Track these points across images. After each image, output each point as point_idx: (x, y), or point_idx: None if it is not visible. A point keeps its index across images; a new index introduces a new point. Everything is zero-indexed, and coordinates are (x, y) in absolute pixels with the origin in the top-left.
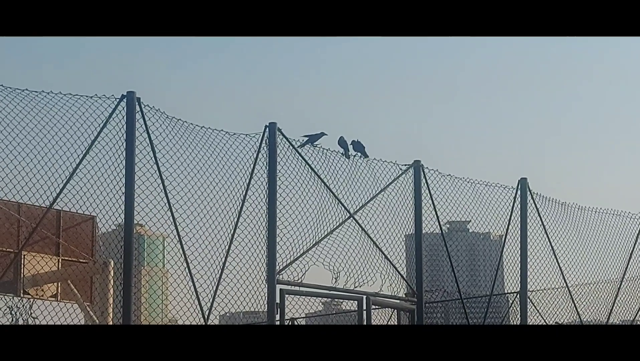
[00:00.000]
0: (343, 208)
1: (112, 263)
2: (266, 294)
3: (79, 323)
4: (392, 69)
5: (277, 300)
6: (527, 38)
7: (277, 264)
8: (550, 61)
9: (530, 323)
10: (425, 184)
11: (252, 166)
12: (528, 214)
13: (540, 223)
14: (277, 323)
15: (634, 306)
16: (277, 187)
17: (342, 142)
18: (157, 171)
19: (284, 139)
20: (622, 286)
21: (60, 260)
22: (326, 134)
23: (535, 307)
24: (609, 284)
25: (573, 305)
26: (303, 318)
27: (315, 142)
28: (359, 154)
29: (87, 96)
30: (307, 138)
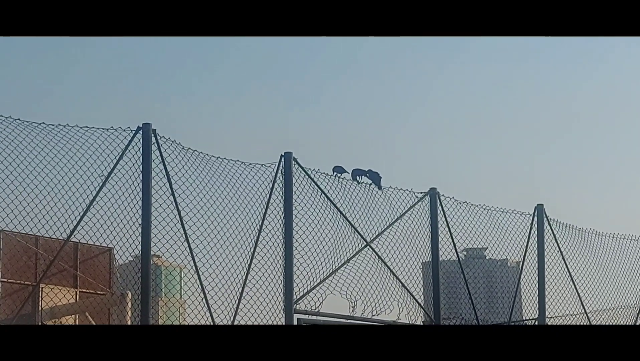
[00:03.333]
0: (359, 237)
1: (129, 294)
2: (283, 324)
3: None
4: (407, 97)
5: None
6: (546, 61)
7: (294, 293)
8: (567, 84)
9: None
10: (442, 212)
11: (268, 195)
12: (545, 240)
13: (557, 249)
14: None
15: None
16: (294, 216)
17: (358, 172)
18: (173, 202)
19: (299, 168)
20: None
21: (78, 292)
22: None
23: None
24: (627, 310)
25: None
26: None
27: (341, 175)
28: (373, 184)
29: (103, 129)
30: (335, 168)
